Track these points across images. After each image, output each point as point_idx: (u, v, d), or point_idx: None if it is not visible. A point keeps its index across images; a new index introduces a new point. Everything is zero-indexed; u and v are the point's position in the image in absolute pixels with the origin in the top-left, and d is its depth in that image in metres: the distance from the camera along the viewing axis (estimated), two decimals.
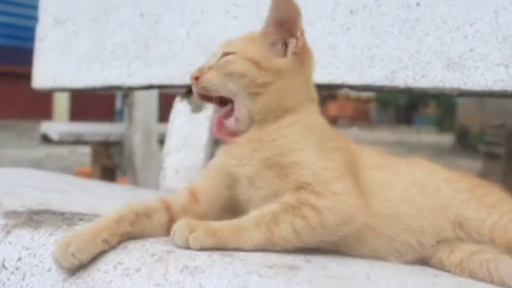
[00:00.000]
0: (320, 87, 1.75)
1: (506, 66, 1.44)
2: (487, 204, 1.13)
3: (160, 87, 2.04)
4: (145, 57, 2.03)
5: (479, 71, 1.47)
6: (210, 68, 1.16)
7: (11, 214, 1.25)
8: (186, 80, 1.94)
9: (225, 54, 1.16)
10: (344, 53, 1.69)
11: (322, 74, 1.71)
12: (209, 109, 1.92)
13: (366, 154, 1.18)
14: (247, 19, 1.87)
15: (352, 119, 18.87)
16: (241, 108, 1.13)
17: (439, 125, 15.58)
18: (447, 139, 11.77)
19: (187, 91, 2.00)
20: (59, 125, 7.00)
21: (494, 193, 1.17)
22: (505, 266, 1.03)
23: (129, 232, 1.04)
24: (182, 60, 1.97)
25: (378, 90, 1.64)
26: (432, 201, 1.11)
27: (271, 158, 1.08)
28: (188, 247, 0.98)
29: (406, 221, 1.08)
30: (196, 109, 1.94)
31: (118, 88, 2.14)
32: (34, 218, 1.22)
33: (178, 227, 1.00)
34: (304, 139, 1.10)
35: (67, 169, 5.58)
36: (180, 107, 1.97)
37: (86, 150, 6.79)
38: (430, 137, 13.87)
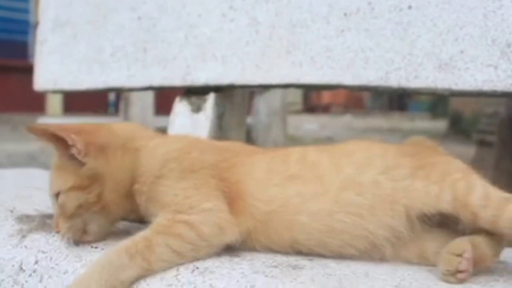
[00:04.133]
0: (317, 88, 1.83)
1: (495, 67, 1.50)
2: (434, 180, 1.07)
3: (159, 88, 2.09)
4: (144, 59, 2.08)
5: (470, 72, 1.53)
6: (59, 217, 1.15)
7: (24, 218, 1.31)
8: (185, 81, 2.00)
9: (56, 197, 1.15)
10: (339, 55, 1.74)
11: (319, 75, 1.78)
12: (209, 109, 1.98)
13: (265, 166, 1.16)
14: (243, 22, 1.92)
15: (345, 106, 18.96)
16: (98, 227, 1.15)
17: (432, 112, 15.66)
18: (440, 125, 11.85)
19: (187, 92, 2.05)
20: (56, 120, 7.02)
21: (439, 166, 1.11)
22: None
23: None
24: (180, 62, 2.02)
25: (373, 90, 1.70)
26: (372, 199, 1.07)
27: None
28: None
29: (347, 230, 1.06)
30: (196, 109, 2.00)
31: (119, 89, 2.20)
32: (47, 222, 1.28)
33: None
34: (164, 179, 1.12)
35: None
36: (180, 107, 2.03)
37: None
38: (423, 123, 13.95)
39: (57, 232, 1.15)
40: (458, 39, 1.56)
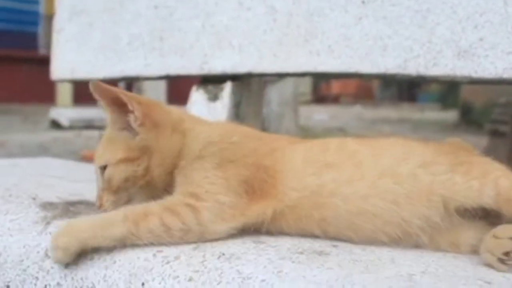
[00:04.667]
0: (334, 76, 1.83)
1: None
2: (474, 176, 1.08)
3: (176, 77, 2.09)
4: (160, 48, 2.09)
5: (489, 59, 1.53)
6: (103, 190, 1.19)
7: (48, 205, 1.32)
8: (202, 70, 2.01)
9: (102, 169, 1.18)
10: (357, 43, 1.74)
11: (336, 64, 1.78)
12: (226, 98, 1.98)
13: (305, 155, 1.17)
14: (261, 11, 1.92)
15: (355, 97, 18.88)
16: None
17: (443, 102, 15.59)
18: (451, 115, 11.80)
19: (203, 80, 2.06)
20: (69, 111, 7.06)
21: (477, 163, 1.13)
22: None
23: None
24: (197, 51, 2.02)
25: (391, 78, 1.69)
26: (410, 190, 1.08)
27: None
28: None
29: (380, 215, 1.07)
30: (213, 98, 2.00)
31: (135, 78, 2.21)
32: (71, 209, 1.30)
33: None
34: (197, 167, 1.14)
35: (74, 153, 5.63)
36: (197, 96, 2.03)
37: (92, 133, 6.85)
38: (433, 113, 13.90)
39: (100, 206, 1.18)
40: (478, 26, 1.56)
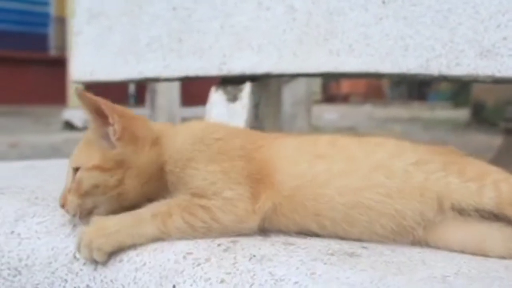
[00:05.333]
0: (354, 76, 1.83)
1: None
2: (470, 177, 1.09)
3: (195, 78, 2.10)
4: (179, 49, 2.09)
5: None
6: (69, 191, 1.17)
7: None
8: (221, 70, 2.01)
9: (74, 170, 1.16)
10: (377, 43, 1.74)
11: (357, 63, 1.77)
12: (246, 98, 1.98)
13: (294, 146, 1.18)
14: (280, 10, 1.92)
15: (365, 96, 18.87)
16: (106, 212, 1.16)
17: (454, 100, 15.54)
18: (462, 114, 11.76)
19: (222, 81, 2.06)
20: (82, 111, 7.06)
21: (472, 165, 1.14)
22: None
23: None
24: (216, 52, 2.02)
25: (412, 78, 1.69)
26: (402, 185, 1.09)
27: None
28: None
29: (374, 207, 1.08)
30: (232, 98, 2.00)
31: (155, 80, 2.21)
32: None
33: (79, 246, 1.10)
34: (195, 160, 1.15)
35: None
36: (216, 97, 2.04)
37: None
38: (444, 112, 13.86)
39: (63, 206, 1.17)
40: (501, 26, 1.55)
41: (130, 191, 1.16)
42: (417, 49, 1.67)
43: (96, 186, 1.14)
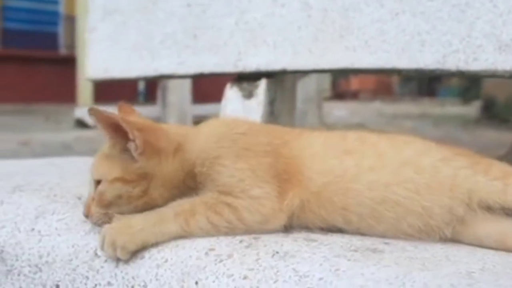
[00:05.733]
0: (370, 72, 1.82)
1: None
2: (495, 176, 1.10)
3: (210, 75, 2.09)
4: (194, 46, 2.09)
5: None
6: (93, 200, 1.16)
7: None
8: (236, 67, 2.01)
9: (96, 182, 1.16)
10: (394, 39, 1.73)
11: (373, 59, 1.77)
12: (261, 95, 1.98)
13: (322, 142, 1.17)
14: (295, 7, 1.92)
15: (374, 92, 18.82)
16: None
17: (464, 96, 15.47)
18: (472, 110, 11.71)
19: (238, 78, 2.05)
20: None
21: (495, 165, 1.14)
22: None
23: None
24: (231, 48, 2.02)
25: (430, 74, 1.68)
26: (431, 180, 1.09)
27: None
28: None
29: (402, 203, 1.08)
30: (248, 95, 2.00)
31: (169, 76, 2.21)
32: None
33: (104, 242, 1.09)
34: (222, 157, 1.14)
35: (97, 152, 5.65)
36: (231, 94, 2.03)
37: None
38: (454, 108, 13.80)
39: (86, 216, 1.17)
40: None
41: (157, 198, 1.15)
42: (434, 45, 1.67)
43: (119, 197, 1.14)
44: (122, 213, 1.15)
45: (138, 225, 1.08)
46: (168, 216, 1.08)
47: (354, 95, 19.19)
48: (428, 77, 16.30)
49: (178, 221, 1.08)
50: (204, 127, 1.24)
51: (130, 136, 1.12)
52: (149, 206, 1.14)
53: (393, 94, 19.37)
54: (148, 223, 1.09)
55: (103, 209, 1.15)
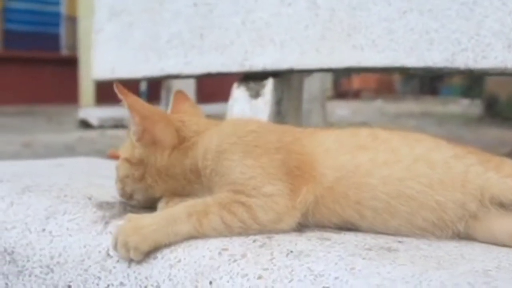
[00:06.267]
0: (378, 71, 1.82)
1: None
2: (507, 174, 1.10)
3: (217, 75, 2.09)
4: (201, 46, 2.08)
5: None
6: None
7: (104, 205, 1.32)
8: (243, 67, 2.00)
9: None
10: (402, 37, 1.73)
11: (380, 58, 1.76)
12: (268, 94, 1.98)
13: (334, 139, 1.18)
14: (302, 6, 1.91)
15: (376, 91, 18.79)
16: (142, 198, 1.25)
17: (466, 95, 15.46)
18: (475, 109, 11.70)
19: (244, 77, 2.05)
20: (97, 110, 7.09)
21: (506, 163, 1.14)
22: None
23: None
24: (238, 48, 2.02)
25: (438, 72, 1.68)
26: (444, 175, 1.09)
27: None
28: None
29: (416, 198, 1.08)
30: (255, 95, 2.00)
31: (176, 76, 2.21)
32: (127, 208, 1.29)
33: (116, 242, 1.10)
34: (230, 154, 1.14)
35: (100, 152, 5.69)
36: (238, 93, 2.03)
37: (115, 132, 6.89)
38: (457, 107, 13.80)
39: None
40: None
41: (153, 186, 1.21)
42: (443, 43, 1.66)
43: (126, 176, 1.22)
44: (133, 191, 1.24)
45: (151, 225, 1.08)
46: (181, 216, 1.08)
47: (356, 94, 19.17)
48: (430, 76, 16.29)
49: (191, 221, 1.07)
50: (217, 126, 1.24)
51: (135, 120, 1.18)
52: (150, 192, 1.22)
53: (394, 93, 19.34)
54: (161, 223, 1.08)
55: (119, 183, 1.25)
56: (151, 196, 1.23)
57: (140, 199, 1.25)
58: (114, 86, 1.17)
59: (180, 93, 1.37)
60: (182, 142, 1.20)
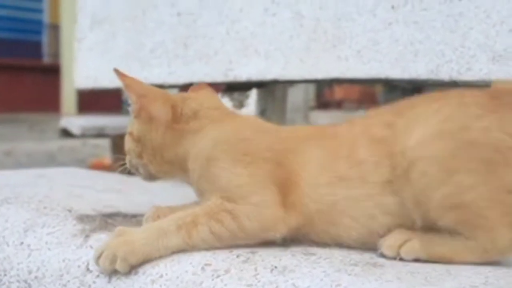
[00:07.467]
0: (363, 82, 1.81)
1: None
2: None
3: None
4: (184, 55, 2.06)
5: None
6: None
7: (85, 218, 1.30)
8: (227, 77, 1.99)
9: None
10: (387, 48, 1.72)
11: (365, 69, 1.75)
12: (252, 105, 1.96)
13: (316, 162, 1.13)
14: (287, 16, 1.90)
15: (358, 102, 18.81)
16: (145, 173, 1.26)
17: None
18: None
19: (228, 87, 2.03)
20: (80, 119, 7.03)
21: None
22: None
23: None
24: (222, 57, 2.00)
25: (423, 84, 1.67)
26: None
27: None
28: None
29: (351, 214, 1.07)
30: (239, 105, 1.98)
31: (159, 86, 2.17)
32: (109, 221, 1.27)
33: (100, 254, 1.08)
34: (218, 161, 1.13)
35: (82, 162, 5.64)
36: None
37: (98, 141, 6.83)
38: None
39: None
40: None
41: (149, 165, 1.23)
42: (427, 55, 1.65)
43: (129, 150, 1.24)
44: (137, 165, 1.25)
45: (140, 240, 1.06)
46: (171, 229, 1.06)
47: (338, 105, 19.18)
48: (412, 87, 16.34)
49: (181, 234, 1.06)
50: (218, 123, 1.21)
51: (133, 99, 1.21)
52: (148, 170, 1.24)
53: (377, 104, 19.39)
54: (151, 237, 1.06)
55: (127, 156, 1.26)
56: (151, 175, 1.26)
57: (143, 174, 1.26)
58: (113, 70, 1.21)
59: (200, 84, 1.38)
60: (177, 120, 1.21)
